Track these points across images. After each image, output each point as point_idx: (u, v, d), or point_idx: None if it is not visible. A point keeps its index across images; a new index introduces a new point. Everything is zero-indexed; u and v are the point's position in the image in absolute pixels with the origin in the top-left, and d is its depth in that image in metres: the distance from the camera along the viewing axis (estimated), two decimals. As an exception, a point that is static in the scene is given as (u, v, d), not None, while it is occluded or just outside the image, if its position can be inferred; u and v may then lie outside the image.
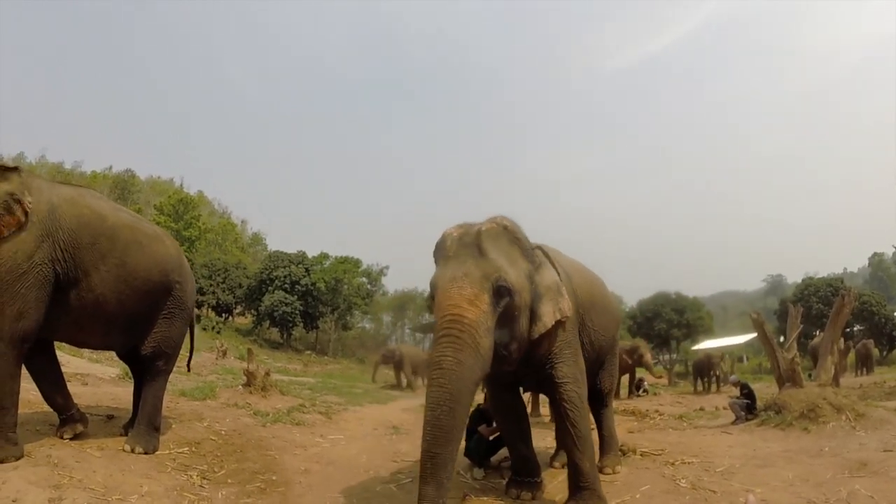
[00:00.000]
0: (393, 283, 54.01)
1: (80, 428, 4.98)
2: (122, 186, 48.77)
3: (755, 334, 11.49)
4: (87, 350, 8.73)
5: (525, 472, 4.95)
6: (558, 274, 4.40)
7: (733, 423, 8.70)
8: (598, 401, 5.93)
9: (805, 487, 4.78)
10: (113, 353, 6.78)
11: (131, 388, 5.99)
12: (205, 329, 28.45)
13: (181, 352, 5.93)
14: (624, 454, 6.25)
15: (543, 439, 6.73)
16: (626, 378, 16.92)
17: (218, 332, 28.97)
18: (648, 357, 17.42)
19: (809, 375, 10.60)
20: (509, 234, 4.17)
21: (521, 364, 4.17)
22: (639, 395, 16.59)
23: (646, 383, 17.78)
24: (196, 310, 20.34)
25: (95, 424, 5.46)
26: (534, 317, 4.08)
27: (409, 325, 50.38)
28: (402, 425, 8.83)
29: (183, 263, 5.66)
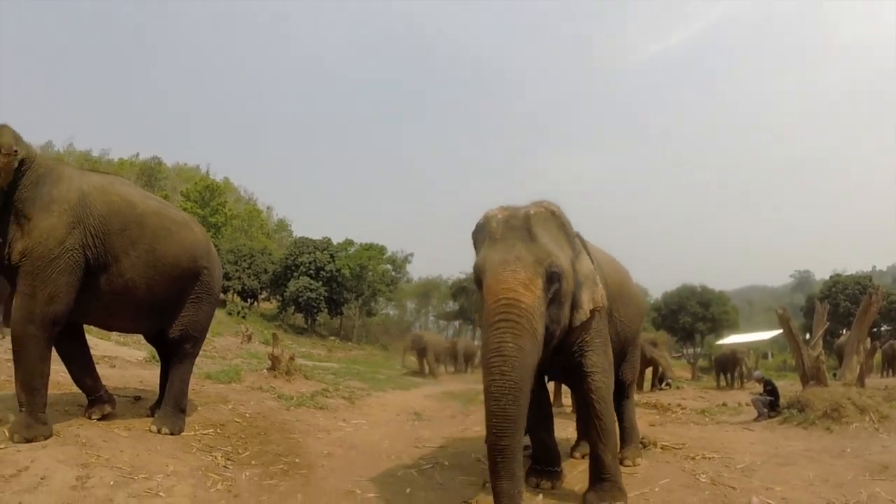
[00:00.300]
0: (417, 271, 54.07)
1: (107, 409, 5.07)
2: (149, 173, 49.24)
3: (780, 330, 11.28)
4: (114, 333, 8.88)
5: (546, 460, 4.91)
6: (592, 262, 4.34)
7: (756, 419, 8.56)
8: (620, 392, 5.85)
9: (825, 488, 4.69)
10: (140, 337, 6.89)
11: (158, 371, 6.09)
12: (230, 314, 28.78)
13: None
14: (644, 447, 6.19)
15: (564, 430, 6.70)
16: (649, 371, 16.65)
17: (243, 317, 29.23)
18: (665, 357, 16.56)
19: (834, 374, 10.40)
20: (557, 218, 4.08)
21: (552, 352, 4.09)
22: (661, 389, 16.36)
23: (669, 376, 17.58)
24: (222, 295, 20.62)
25: (123, 405, 5.56)
26: (575, 304, 4.00)
27: (433, 313, 50.49)
28: (425, 412, 8.88)
29: (210, 249, 5.72)
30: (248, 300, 36.34)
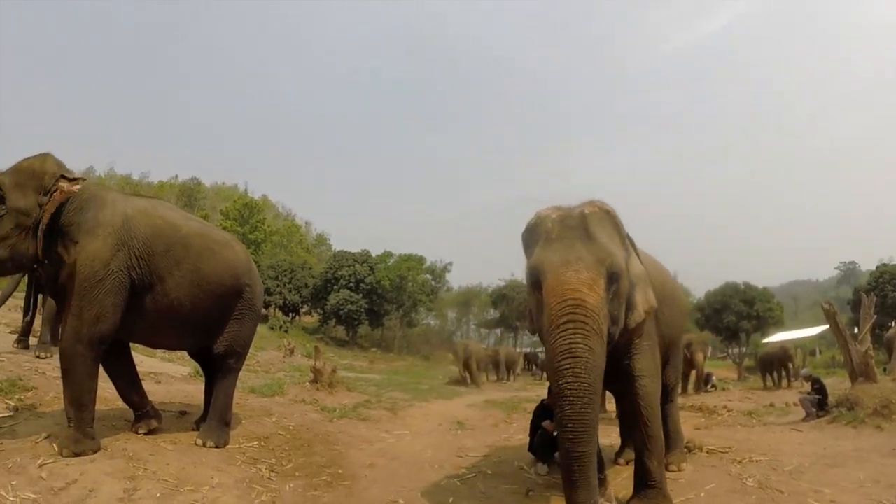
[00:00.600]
0: (457, 280, 53.93)
1: (154, 424, 5.17)
2: (189, 194, 50.47)
3: (827, 326, 10.89)
4: (159, 350, 9.07)
5: None
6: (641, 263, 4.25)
7: (804, 419, 8.25)
8: (664, 396, 5.71)
9: (876, 489, 4.50)
10: (184, 353, 7.03)
11: (202, 386, 6.19)
12: (272, 328, 29.17)
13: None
14: (690, 451, 6.03)
15: (608, 436, 6.58)
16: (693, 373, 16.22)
17: (285, 332, 29.60)
18: (700, 357, 15.73)
19: (884, 369, 9.99)
20: (611, 218, 4.00)
21: None
22: (707, 391, 15.92)
23: (714, 378, 17.12)
24: (263, 310, 20.91)
25: (168, 420, 5.66)
26: (629, 305, 3.90)
27: (474, 322, 50.35)
28: (467, 421, 8.82)
29: (252, 267, 5.82)
30: (290, 314, 36.79)
